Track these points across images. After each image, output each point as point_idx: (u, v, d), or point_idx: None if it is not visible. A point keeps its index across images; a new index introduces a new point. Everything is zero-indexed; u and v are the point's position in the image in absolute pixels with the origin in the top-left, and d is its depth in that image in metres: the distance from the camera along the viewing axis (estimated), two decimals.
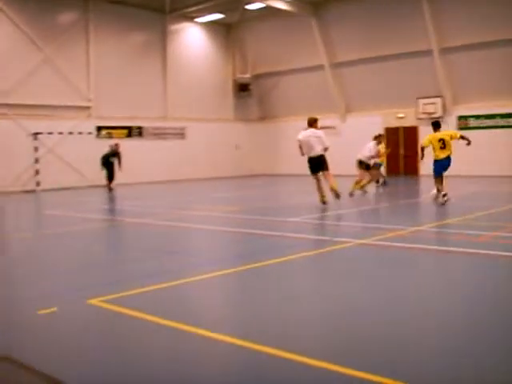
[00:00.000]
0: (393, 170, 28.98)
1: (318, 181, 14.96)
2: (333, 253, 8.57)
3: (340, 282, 6.79)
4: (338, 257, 8.39)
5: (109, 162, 23.51)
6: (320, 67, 30.34)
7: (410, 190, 20.59)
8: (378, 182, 21.16)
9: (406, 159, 28.98)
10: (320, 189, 14.86)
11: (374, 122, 29.01)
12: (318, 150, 14.80)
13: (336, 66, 30.09)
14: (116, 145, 23.93)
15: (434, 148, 14.67)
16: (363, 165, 18.58)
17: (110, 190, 23.03)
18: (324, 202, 14.70)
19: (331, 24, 29.44)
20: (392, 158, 28.79)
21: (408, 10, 26.51)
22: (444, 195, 14.31)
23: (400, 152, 28.98)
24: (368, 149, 18.81)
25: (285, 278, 7.09)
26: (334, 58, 29.98)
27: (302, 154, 15.12)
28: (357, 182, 18.30)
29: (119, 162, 23.36)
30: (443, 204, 14.15)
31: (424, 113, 27.58)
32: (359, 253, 8.64)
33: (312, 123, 15.04)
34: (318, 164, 14.89)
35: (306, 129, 15.05)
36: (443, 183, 14.73)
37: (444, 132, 15.30)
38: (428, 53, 26.49)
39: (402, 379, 3.81)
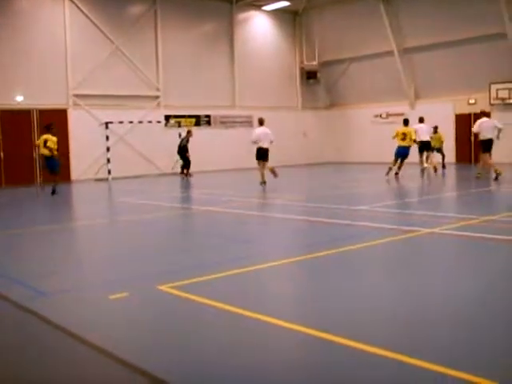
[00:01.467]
0: (463, 157, 28.26)
1: (262, 167, 18.61)
2: (403, 242, 8.46)
3: (411, 272, 6.70)
4: (408, 246, 8.28)
5: (183, 149, 23.97)
6: (389, 53, 29.79)
7: (481, 178, 20.03)
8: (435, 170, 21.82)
9: (476, 146, 28.17)
10: (262, 174, 18.48)
11: (444, 108, 28.34)
12: (266, 144, 18.50)
13: (405, 51, 29.48)
14: (189, 132, 24.36)
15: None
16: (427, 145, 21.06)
17: (187, 176, 23.54)
18: (264, 183, 18.36)
19: (400, 8, 28.84)
20: (462, 146, 28.07)
21: None
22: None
23: (471, 139, 28.23)
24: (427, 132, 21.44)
25: (354, 267, 7.05)
26: (403, 43, 29.38)
27: (256, 143, 18.73)
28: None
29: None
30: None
31: (497, 98, 26.74)
32: (430, 242, 8.50)
33: (262, 122, 19.16)
34: (263, 154, 18.48)
35: (259, 126, 19.14)
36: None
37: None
38: (502, 36, 25.61)
39: (484, 376, 3.73)
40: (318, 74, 33.34)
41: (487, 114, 19.81)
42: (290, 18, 33.15)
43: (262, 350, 4.36)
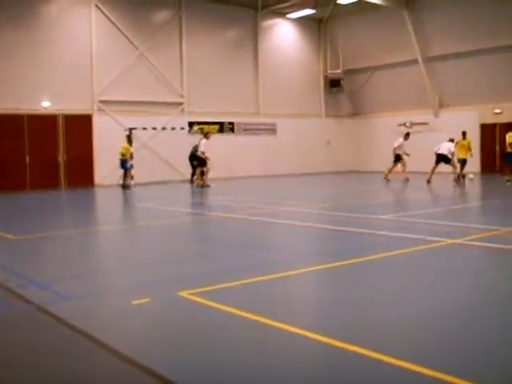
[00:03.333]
0: (488, 167, 27.99)
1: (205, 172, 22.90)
2: (426, 252, 8.38)
3: (435, 283, 6.63)
4: (432, 256, 8.20)
5: (194, 157, 23.95)
6: (413, 62, 29.65)
7: (506, 188, 19.84)
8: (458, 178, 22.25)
9: (502, 158, 27.90)
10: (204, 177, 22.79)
11: (469, 117, 28.11)
12: (207, 154, 22.81)
13: (430, 60, 29.32)
14: (206, 134, 24.15)
15: None
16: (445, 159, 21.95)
17: (203, 185, 23.34)
18: (206, 186, 22.20)
19: (424, 17, 28.70)
20: (488, 156, 27.84)
21: (506, 1, 25.45)
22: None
23: (496, 149, 27.96)
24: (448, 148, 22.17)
25: (377, 277, 7.00)
26: (427, 52, 29.23)
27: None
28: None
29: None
30: None
31: None
32: (453, 252, 8.42)
33: (206, 135, 23.46)
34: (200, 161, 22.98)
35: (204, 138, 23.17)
36: None
37: None
38: None
39: None
40: (342, 82, 33.27)
41: None
42: (314, 26, 33.18)
43: (279, 358, 4.34)
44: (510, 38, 25.86)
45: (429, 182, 21.56)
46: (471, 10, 26.76)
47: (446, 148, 21.94)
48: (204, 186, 22.62)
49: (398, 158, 23.62)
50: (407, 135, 24.10)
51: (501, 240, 9.11)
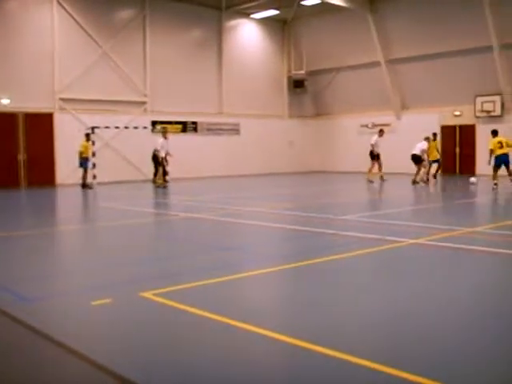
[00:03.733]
0: (448, 169, 28.42)
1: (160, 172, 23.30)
2: (386, 252, 8.47)
3: (392, 282, 6.71)
4: (391, 256, 8.29)
5: (155, 157, 23.93)
6: (376, 63, 29.97)
7: (466, 189, 20.19)
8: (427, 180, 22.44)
9: (462, 158, 28.41)
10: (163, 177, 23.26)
11: (430, 119, 28.53)
12: (163, 154, 23.06)
13: (392, 62, 29.67)
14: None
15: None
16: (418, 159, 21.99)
17: (163, 184, 23.22)
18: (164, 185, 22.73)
19: (388, 20, 29.03)
20: (448, 157, 28.27)
21: (467, 6, 25.88)
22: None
23: (456, 151, 28.43)
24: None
25: (337, 277, 7.04)
26: (390, 54, 29.57)
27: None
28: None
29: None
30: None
31: (482, 111, 26.96)
32: (412, 252, 8.52)
33: (163, 134, 23.42)
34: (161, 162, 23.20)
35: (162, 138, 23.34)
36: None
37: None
38: (487, 49, 25.82)
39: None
40: (306, 83, 33.43)
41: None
42: (278, 27, 33.27)
43: (241, 359, 4.34)
44: (469, 42, 26.34)
45: (415, 182, 21.69)
46: (433, 13, 27.17)
47: (418, 148, 22.25)
48: (162, 185, 22.67)
49: (373, 157, 23.67)
50: (381, 131, 24.04)
51: (460, 240, 9.24)
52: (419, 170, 22.12)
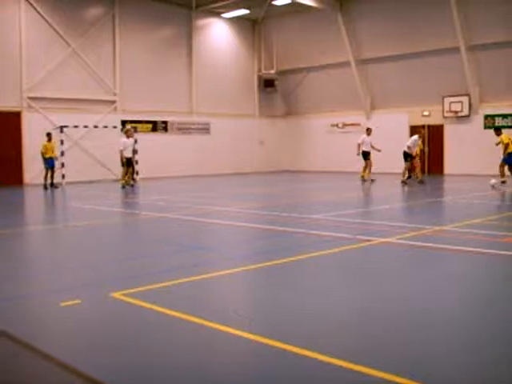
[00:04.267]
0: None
1: (131, 172, 23.11)
2: (355, 251, 8.53)
3: (360, 281, 6.76)
4: (360, 255, 8.35)
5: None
6: (346, 64, 30.17)
7: (434, 188, 20.43)
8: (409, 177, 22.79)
9: (431, 158, 28.74)
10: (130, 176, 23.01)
11: (399, 119, 28.85)
12: (130, 154, 22.67)
13: (362, 62, 29.91)
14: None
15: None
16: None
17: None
18: (131, 185, 22.69)
19: (357, 20, 29.26)
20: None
21: (435, 8, 26.23)
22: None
23: (425, 150, 28.74)
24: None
25: (306, 276, 7.08)
26: (359, 54, 29.80)
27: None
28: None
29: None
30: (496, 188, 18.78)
31: (450, 111, 27.32)
32: (381, 251, 8.60)
33: (128, 134, 22.71)
34: (129, 161, 22.60)
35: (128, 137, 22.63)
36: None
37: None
38: (455, 50, 26.18)
39: (421, 380, 3.78)
40: (276, 83, 33.52)
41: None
42: (248, 26, 33.30)
43: (212, 359, 4.34)
44: (438, 43, 26.69)
45: (404, 183, 21.53)
46: (402, 15, 27.49)
47: (406, 145, 22.13)
48: (127, 184, 22.46)
49: (365, 156, 23.68)
50: (368, 130, 23.98)
51: (430, 239, 9.35)
52: (407, 167, 22.11)
